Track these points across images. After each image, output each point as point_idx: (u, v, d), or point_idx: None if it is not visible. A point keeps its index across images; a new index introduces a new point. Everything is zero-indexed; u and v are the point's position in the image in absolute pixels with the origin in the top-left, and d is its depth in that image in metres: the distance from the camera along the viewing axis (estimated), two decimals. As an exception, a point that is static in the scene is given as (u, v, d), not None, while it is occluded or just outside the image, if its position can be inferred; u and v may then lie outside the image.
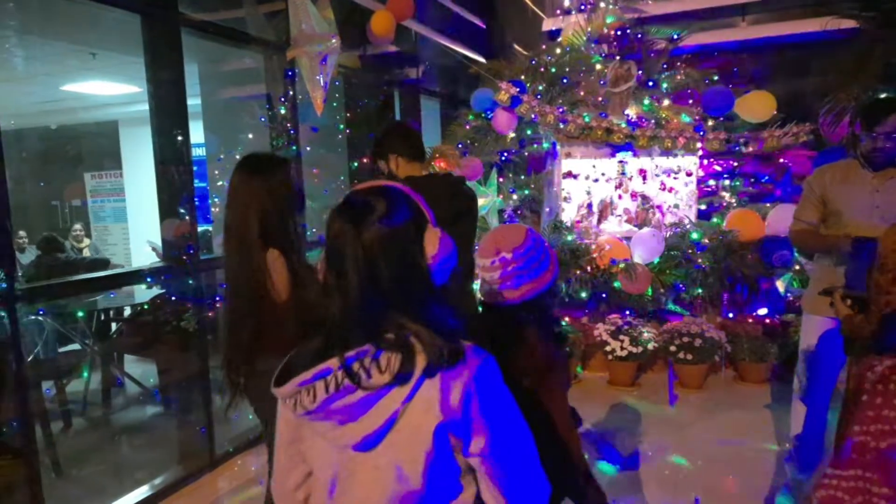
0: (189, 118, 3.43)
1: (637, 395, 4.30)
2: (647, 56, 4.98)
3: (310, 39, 3.79)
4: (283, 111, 4.22)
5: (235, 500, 3.22)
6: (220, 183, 5.87)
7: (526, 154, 5.14)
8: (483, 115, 5.07)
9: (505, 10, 6.67)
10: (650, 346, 4.34)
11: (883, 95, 2.77)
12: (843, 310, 1.91)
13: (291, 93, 4.13)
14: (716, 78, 5.03)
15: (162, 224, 3.36)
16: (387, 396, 1.02)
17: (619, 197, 4.94)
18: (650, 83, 4.91)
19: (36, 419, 3.31)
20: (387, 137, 2.71)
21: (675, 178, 4.82)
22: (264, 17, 4.05)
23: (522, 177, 5.05)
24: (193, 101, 5.80)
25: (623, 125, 4.72)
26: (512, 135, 5.00)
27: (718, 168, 4.94)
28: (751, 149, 4.62)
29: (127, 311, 5.23)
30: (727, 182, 4.84)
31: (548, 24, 6.13)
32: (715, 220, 4.73)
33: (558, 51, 5.22)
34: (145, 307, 4.80)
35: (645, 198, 4.91)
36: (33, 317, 3.85)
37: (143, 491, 3.19)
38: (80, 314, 4.66)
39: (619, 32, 5.04)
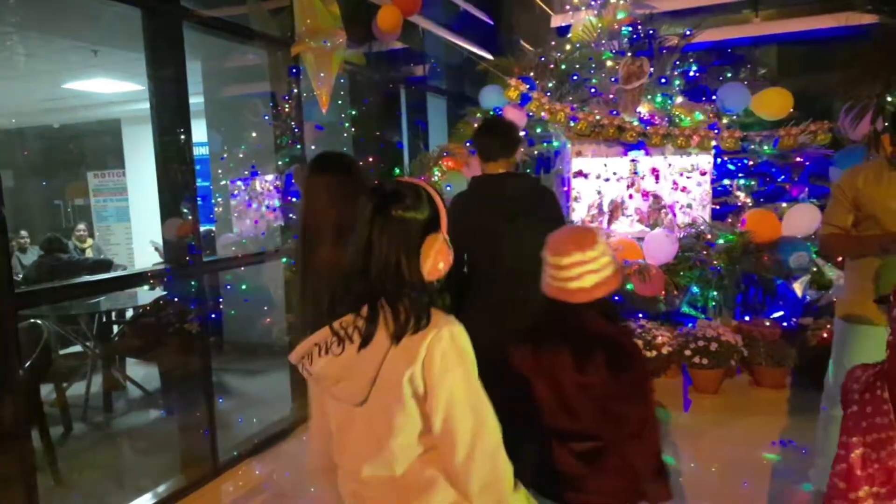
0: (191, 116, 3.33)
1: (650, 399, 4.19)
2: (658, 52, 4.87)
3: (315, 35, 3.70)
4: (287, 109, 4.12)
5: (240, 510, 3.14)
6: (222, 182, 5.79)
7: (535, 153, 5.03)
8: (491, 112, 4.96)
9: (513, 6, 6.56)
10: (664, 350, 4.23)
11: None
12: None
13: (296, 90, 4.03)
14: (729, 75, 4.93)
15: (163, 224, 3.27)
16: (366, 359, 1.20)
17: (630, 197, 4.83)
18: (662, 80, 4.80)
19: (34, 424, 3.24)
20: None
21: (687, 178, 4.71)
22: (268, 12, 3.95)
23: (532, 176, 4.94)
24: (196, 100, 5.73)
25: (635, 123, 4.61)
26: (521, 133, 4.89)
27: (732, 167, 4.82)
28: (766, 147, 4.51)
29: (129, 313, 5.14)
30: (742, 181, 4.72)
31: (557, 21, 6.02)
32: (730, 220, 4.62)
33: (568, 47, 5.11)
34: (147, 309, 4.71)
35: (656, 197, 4.80)
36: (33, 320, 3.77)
37: (145, 499, 3.10)
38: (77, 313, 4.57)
39: (630, 28, 4.93)
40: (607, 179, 4.81)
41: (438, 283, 1.26)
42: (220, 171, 5.82)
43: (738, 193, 4.72)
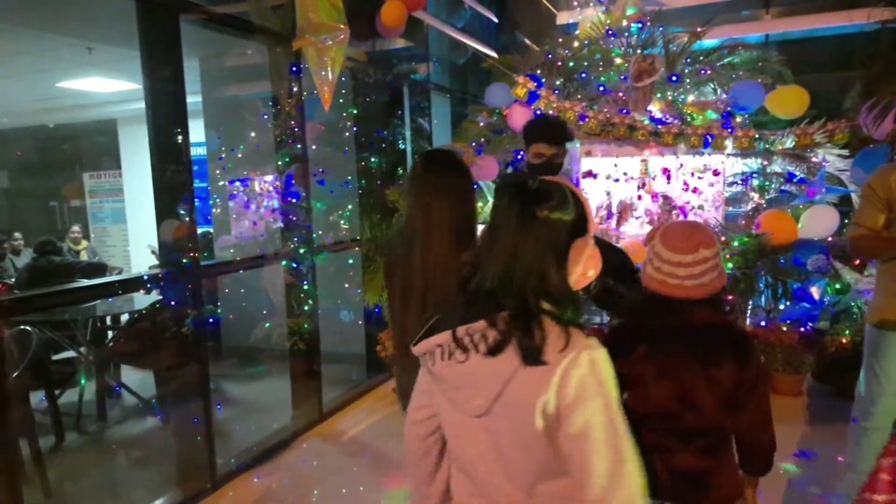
0: (189, 116, 3.20)
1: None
2: (668, 50, 4.74)
3: (317, 30, 3.56)
4: (287, 107, 3.99)
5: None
6: (220, 183, 5.65)
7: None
8: (498, 111, 4.83)
9: (517, 3, 6.43)
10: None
11: None
12: None
13: (296, 88, 3.89)
14: (741, 73, 4.80)
15: (159, 226, 3.13)
16: (491, 371, 1.09)
17: (639, 198, 4.70)
18: (673, 78, 4.67)
19: (22, 434, 3.09)
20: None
21: (699, 178, 4.57)
22: (269, 6, 3.81)
23: (539, 176, 4.79)
24: (193, 99, 5.59)
25: (646, 122, 4.48)
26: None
27: (746, 168, 4.68)
28: (781, 147, 4.38)
29: (124, 318, 5.00)
30: (756, 182, 4.59)
31: (563, 18, 5.90)
32: (743, 221, 4.48)
33: (576, 44, 4.97)
34: (143, 313, 4.56)
35: (666, 198, 4.67)
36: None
37: (139, 515, 2.96)
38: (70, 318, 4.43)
39: (639, 25, 4.81)
40: (617, 180, 4.68)
41: (583, 292, 1.17)
42: (217, 171, 5.68)
43: (753, 194, 4.58)
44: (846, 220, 4.14)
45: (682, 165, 4.60)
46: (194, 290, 3.20)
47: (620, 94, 4.69)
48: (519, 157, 4.74)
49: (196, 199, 3.27)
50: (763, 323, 4.31)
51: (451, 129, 5.94)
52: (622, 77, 4.68)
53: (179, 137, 3.12)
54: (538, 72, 4.78)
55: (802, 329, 4.14)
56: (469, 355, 1.11)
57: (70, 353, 4.58)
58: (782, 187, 4.60)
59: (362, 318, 4.84)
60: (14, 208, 9.92)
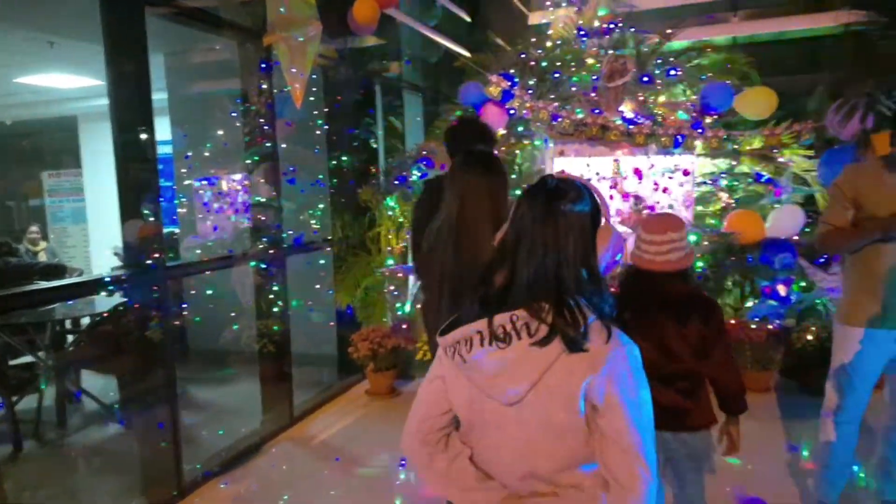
0: (154, 113, 3.10)
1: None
2: (640, 50, 4.78)
3: (288, 25, 3.48)
4: (257, 105, 3.90)
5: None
6: (187, 182, 5.51)
7: (517, 151, 4.88)
8: (471, 110, 4.81)
9: (489, 3, 6.42)
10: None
11: None
12: None
13: (266, 85, 3.81)
14: (710, 74, 4.86)
15: (123, 226, 3.02)
16: (531, 359, 1.14)
17: (611, 198, 4.72)
18: (645, 78, 4.70)
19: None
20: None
21: (670, 178, 4.61)
22: (239, 0, 3.72)
23: (514, 176, 4.79)
24: (159, 96, 5.45)
25: (618, 122, 4.50)
26: (502, 131, 4.74)
27: (715, 168, 4.74)
28: (749, 147, 4.45)
29: (86, 321, 4.83)
30: (725, 182, 4.65)
31: (535, 18, 5.90)
32: (712, 221, 4.54)
33: (548, 44, 4.98)
34: (105, 316, 4.42)
35: (637, 198, 4.70)
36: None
37: (101, 526, 2.85)
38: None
39: (611, 25, 4.83)
40: (589, 179, 4.68)
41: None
42: (184, 170, 5.54)
43: (721, 194, 4.64)
44: (810, 220, 4.23)
45: (652, 165, 4.64)
46: (159, 291, 3.10)
47: (593, 95, 4.71)
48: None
49: (161, 199, 3.18)
50: (731, 321, 4.36)
51: (424, 127, 5.90)
52: (594, 77, 4.70)
53: (144, 135, 3.02)
54: (511, 71, 4.77)
55: (770, 327, 4.21)
56: (511, 343, 1.15)
57: (28, 358, 4.41)
58: (750, 187, 4.67)
59: (334, 319, 4.76)
60: (-31, 208, 9.56)
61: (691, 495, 2.08)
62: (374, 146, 5.20)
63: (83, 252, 8.32)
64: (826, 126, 3.91)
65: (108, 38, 2.91)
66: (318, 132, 4.81)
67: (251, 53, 3.75)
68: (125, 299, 3.95)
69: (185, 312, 5.06)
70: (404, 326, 4.53)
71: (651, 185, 4.63)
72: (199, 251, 5.14)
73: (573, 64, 4.88)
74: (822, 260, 4.29)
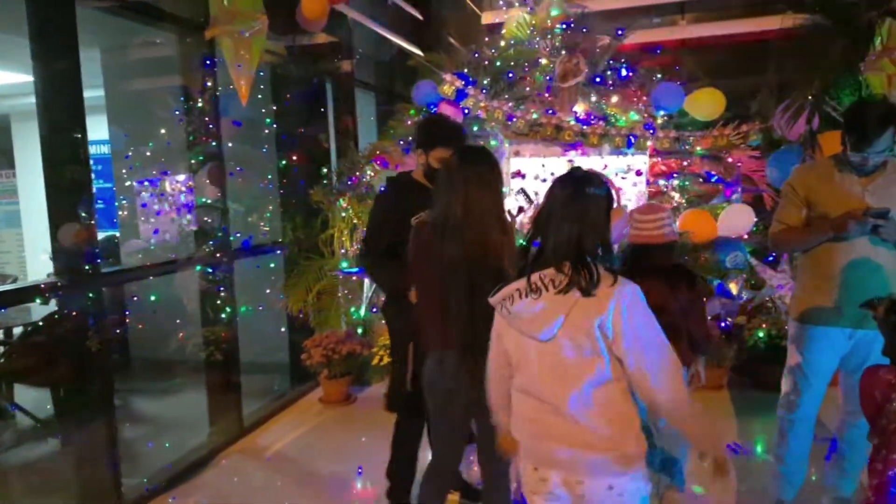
0: (90, 112, 2.92)
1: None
2: (592, 51, 4.79)
3: (232, 18, 3.33)
4: (201, 102, 3.73)
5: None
6: (127, 183, 5.25)
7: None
8: (425, 109, 4.73)
9: (442, 2, 6.36)
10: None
11: (869, 103, 2.58)
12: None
13: (210, 82, 3.64)
14: (660, 76, 4.91)
15: (52, 231, 2.82)
16: (557, 304, 1.51)
17: (566, 197, 4.72)
18: (597, 79, 4.72)
19: None
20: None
21: (623, 179, 4.64)
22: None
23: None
24: (96, 93, 5.16)
25: (572, 122, 4.50)
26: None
27: (665, 168, 4.79)
28: (699, 147, 4.52)
29: (18, 331, 4.54)
30: (676, 182, 4.70)
31: (488, 18, 5.87)
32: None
33: (502, 44, 4.94)
34: (39, 326, 4.15)
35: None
36: None
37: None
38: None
39: (563, 26, 4.83)
40: (545, 180, 4.67)
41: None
42: (124, 171, 5.27)
43: (673, 194, 4.69)
44: (756, 219, 4.31)
45: (606, 166, 4.65)
46: (95, 299, 2.91)
47: (547, 95, 4.69)
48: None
49: (100, 201, 2.99)
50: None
51: (377, 127, 5.79)
52: (548, 78, 4.68)
53: (77, 134, 2.83)
54: (465, 70, 4.71)
55: (723, 324, 4.27)
56: (541, 294, 1.53)
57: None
58: (700, 187, 4.74)
59: (286, 325, 4.60)
60: None
61: None
62: (326, 146, 5.07)
63: (18, 257, 7.88)
64: (773, 126, 3.98)
65: (34, 31, 2.71)
66: (266, 131, 4.65)
67: (193, 48, 3.57)
68: (59, 308, 3.71)
69: (126, 320, 4.82)
70: (359, 331, 4.42)
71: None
72: (140, 255, 4.90)
73: (527, 64, 4.86)
74: (771, 258, 4.38)
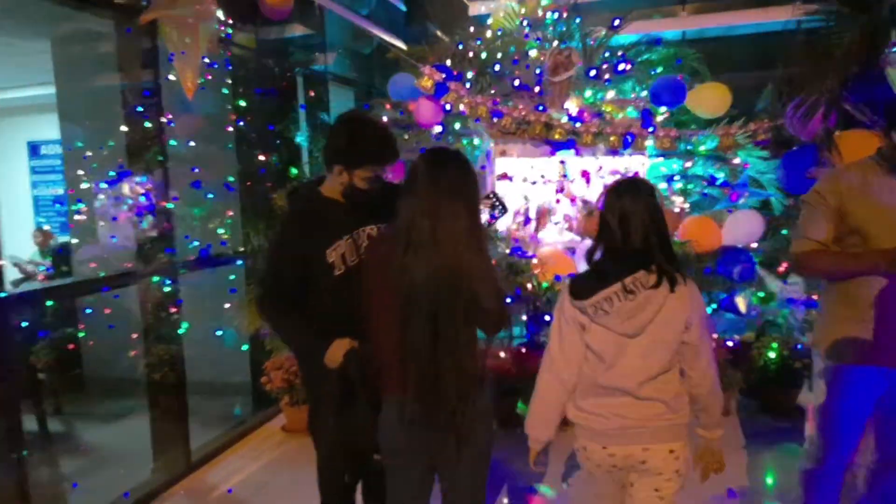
0: (42, 110, 2.52)
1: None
2: (586, 43, 4.40)
3: (173, 2, 2.93)
4: (149, 97, 3.33)
5: None
6: (84, 185, 4.84)
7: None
8: (403, 105, 4.33)
9: (427, -9, 5.96)
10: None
11: None
12: None
13: (152, 74, 3.24)
14: (660, 69, 4.52)
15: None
16: (651, 302, 1.73)
17: (558, 202, 4.32)
18: (591, 73, 4.32)
19: None
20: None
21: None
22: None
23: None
24: (46, 91, 4.73)
25: (564, 119, 4.10)
26: (438, 129, 4.27)
27: (665, 170, 4.39)
28: (703, 148, 4.12)
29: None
30: (677, 185, 4.29)
31: (475, 8, 5.48)
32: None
33: (489, 34, 4.54)
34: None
35: (586, 202, 4.31)
36: None
37: None
38: None
39: (555, 16, 4.43)
40: (534, 182, 4.27)
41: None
42: (79, 172, 4.86)
43: (674, 198, 4.28)
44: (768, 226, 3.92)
45: (600, 167, 4.26)
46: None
47: (536, 90, 4.29)
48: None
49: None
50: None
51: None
52: (538, 71, 4.28)
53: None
54: (447, 63, 4.31)
55: (730, 343, 3.87)
56: (637, 294, 1.71)
57: None
58: (704, 191, 4.34)
59: (247, 343, 4.17)
60: None
61: None
62: (297, 144, 4.66)
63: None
64: (785, 125, 3.58)
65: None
66: (229, 128, 4.24)
67: (132, 36, 3.17)
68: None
69: (80, 335, 4.42)
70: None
71: (600, 189, 4.23)
72: (93, 264, 4.49)
73: (516, 57, 4.46)
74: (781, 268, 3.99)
